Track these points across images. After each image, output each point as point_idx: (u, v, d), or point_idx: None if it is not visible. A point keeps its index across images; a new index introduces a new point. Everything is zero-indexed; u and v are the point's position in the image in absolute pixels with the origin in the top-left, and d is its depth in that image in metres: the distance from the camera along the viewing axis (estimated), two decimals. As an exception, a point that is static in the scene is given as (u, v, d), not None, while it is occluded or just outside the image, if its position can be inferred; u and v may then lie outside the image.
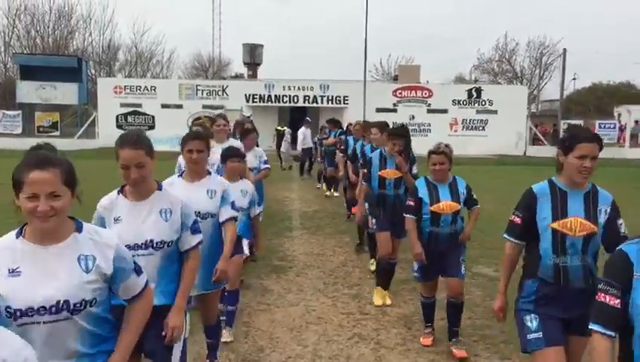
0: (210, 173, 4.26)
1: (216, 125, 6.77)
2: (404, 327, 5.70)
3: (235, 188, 4.80)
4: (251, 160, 7.26)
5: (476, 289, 6.86)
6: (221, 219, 4.20)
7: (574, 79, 54.44)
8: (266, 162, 7.79)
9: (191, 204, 3.38)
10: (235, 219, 4.29)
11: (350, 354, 5.06)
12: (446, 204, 4.98)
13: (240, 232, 4.96)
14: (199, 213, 3.83)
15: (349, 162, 10.07)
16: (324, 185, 15.71)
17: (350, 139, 10.99)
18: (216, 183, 4.24)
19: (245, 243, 5.55)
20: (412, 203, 5.09)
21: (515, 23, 77.39)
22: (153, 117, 32.34)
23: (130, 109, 32.73)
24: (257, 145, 8.13)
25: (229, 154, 5.34)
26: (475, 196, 5.21)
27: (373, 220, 6.45)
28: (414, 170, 6.33)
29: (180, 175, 4.27)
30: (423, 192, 5.04)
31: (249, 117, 16.25)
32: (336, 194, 14.65)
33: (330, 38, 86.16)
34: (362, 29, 31.66)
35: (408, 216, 5.12)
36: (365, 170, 6.54)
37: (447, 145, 5.04)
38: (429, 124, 32.76)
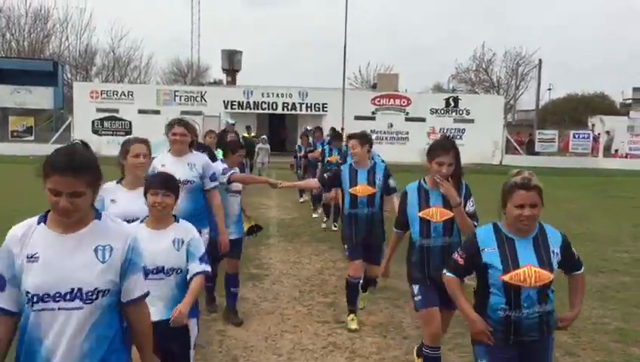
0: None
1: (171, 134, 5.14)
2: (379, 336, 5.69)
3: (162, 239, 3.40)
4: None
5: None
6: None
7: (549, 89, 55.43)
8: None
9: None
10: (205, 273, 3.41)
11: (325, 363, 5.05)
12: (530, 270, 3.09)
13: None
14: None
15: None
16: (313, 204, 13.34)
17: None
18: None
19: (193, 322, 3.58)
20: (461, 260, 3.27)
21: (493, 32, 78.54)
22: (130, 122, 32.01)
23: (107, 114, 32.36)
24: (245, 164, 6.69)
25: (147, 184, 3.52)
26: (576, 254, 3.32)
27: (415, 288, 4.24)
28: (470, 207, 4.17)
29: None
30: (492, 252, 3.16)
31: (233, 124, 15.45)
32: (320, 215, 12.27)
33: (310, 46, 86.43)
34: (342, 36, 31.75)
35: (449, 274, 3.35)
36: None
37: (532, 174, 3.14)
38: (407, 132, 33.02)
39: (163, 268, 3.37)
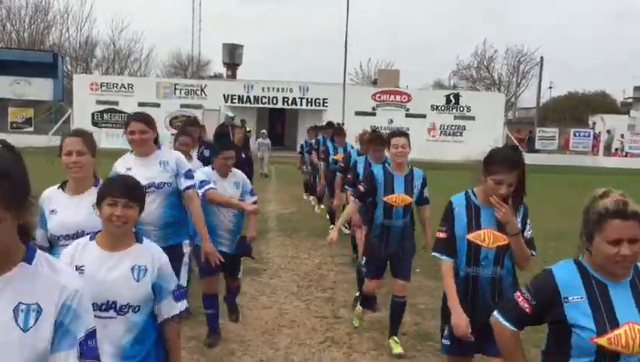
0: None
1: (129, 132, 4.15)
2: (376, 332, 5.65)
3: (117, 264, 2.59)
4: (227, 190, 5.19)
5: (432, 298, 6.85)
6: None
7: (550, 88, 55.29)
8: (252, 192, 5.46)
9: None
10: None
11: (322, 357, 5.02)
12: (632, 330, 2.17)
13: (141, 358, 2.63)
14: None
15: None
16: (313, 199, 13.21)
17: (353, 151, 8.25)
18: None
19: None
20: (527, 307, 2.33)
21: (493, 31, 78.53)
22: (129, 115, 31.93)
23: (107, 107, 32.34)
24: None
25: (102, 191, 2.66)
26: None
27: (446, 328, 3.39)
28: (527, 232, 3.36)
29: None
30: (580, 302, 2.23)
31: (232, 118, 15.21)
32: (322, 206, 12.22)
33: (311, 43, 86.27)
34: (343, 32, 31.75)
35: (506, 324, 2.40)
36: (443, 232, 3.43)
37: (625, 195, 2.24)
38: (408, 129, 32.49)
39: (115, 303, 2.52)
